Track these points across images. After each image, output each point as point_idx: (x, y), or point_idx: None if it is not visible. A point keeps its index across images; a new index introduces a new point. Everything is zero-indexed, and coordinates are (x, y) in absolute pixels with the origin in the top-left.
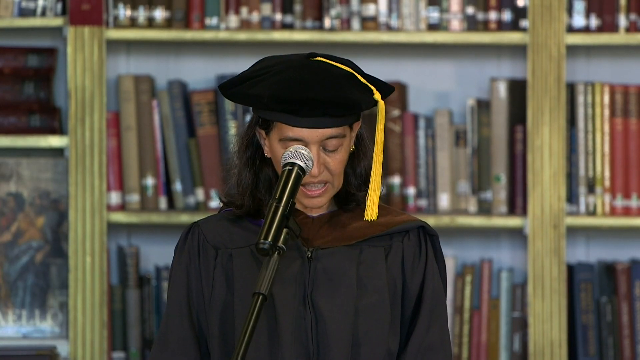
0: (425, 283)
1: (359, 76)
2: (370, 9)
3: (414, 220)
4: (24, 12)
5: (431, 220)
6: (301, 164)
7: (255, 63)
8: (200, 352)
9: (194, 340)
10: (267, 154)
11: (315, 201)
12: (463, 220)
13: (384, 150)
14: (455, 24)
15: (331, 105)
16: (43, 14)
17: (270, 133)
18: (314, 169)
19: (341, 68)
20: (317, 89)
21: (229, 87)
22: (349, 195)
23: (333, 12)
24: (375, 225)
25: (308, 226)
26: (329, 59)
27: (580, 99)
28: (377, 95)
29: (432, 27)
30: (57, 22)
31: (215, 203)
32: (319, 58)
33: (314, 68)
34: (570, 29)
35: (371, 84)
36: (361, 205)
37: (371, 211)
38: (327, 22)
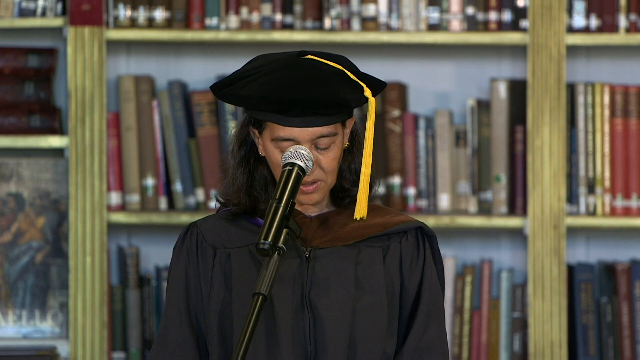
0: (423, 283)
1: (349, 73)
2: (370, 9)
3: (411, 221)
4: (24, 13)
5: (431, 221)
6: (301, 164)
7: (248, 62)
8: (200, 353)
9: (193, 340)
10: (261, 152)
11: (310, 197)
12: (463, 221)
13: (384, 150)
14: (455, 24)
15: (320, 105)
16: (43, 14)
17: (263, 132)
18: None
19: (331, 66)
20: (306, 88)
21: (220, 87)
22: (344, 191)
23: (333, 12)
24: (373, 225)
25: (306, 226)
26: (321, 57)
27: (581, 99)
28: (367, 93)
29: (432, 27)
30: (57, 22)
31: (215, 203)
32: (310, 56)
33: (304, 67)
34: (571, 29)
35: (362, 81)
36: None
37: (359, 209)
38: (327, 23)
